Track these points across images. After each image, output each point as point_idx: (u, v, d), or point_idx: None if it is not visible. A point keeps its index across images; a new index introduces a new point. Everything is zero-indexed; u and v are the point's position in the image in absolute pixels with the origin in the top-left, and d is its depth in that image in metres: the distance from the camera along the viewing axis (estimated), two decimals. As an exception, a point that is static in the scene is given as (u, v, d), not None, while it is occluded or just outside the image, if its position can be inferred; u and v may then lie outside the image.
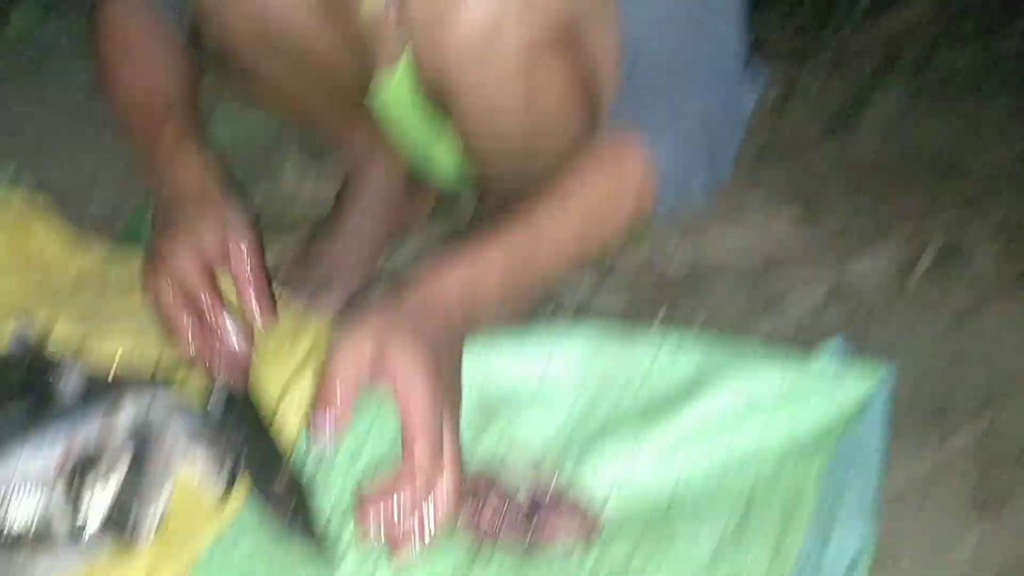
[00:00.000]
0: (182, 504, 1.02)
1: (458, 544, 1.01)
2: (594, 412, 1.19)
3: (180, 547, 0.97)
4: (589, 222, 1.03)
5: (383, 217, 1.61)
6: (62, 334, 1.19)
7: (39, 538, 0.93)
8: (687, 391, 1.17)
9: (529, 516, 1.06)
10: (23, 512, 0.93)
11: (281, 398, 1.14)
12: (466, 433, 1.11)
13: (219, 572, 0.96)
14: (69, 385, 1.06)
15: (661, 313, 1.56)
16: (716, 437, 1.14)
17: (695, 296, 1.61)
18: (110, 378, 1.10)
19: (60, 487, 0.94)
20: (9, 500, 0.93)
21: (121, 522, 0.96)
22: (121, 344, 1.18)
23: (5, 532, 0.92)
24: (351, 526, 0.98)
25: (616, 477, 1.12)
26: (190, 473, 1.04)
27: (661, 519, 1.08)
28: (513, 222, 0.95)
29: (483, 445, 1.17)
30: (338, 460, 1.09)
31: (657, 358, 1.21)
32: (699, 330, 1.50)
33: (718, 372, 1.18)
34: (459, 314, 0.91)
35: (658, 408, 1.17)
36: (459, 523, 1.03)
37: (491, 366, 1.20)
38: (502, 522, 1.05)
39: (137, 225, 1.61)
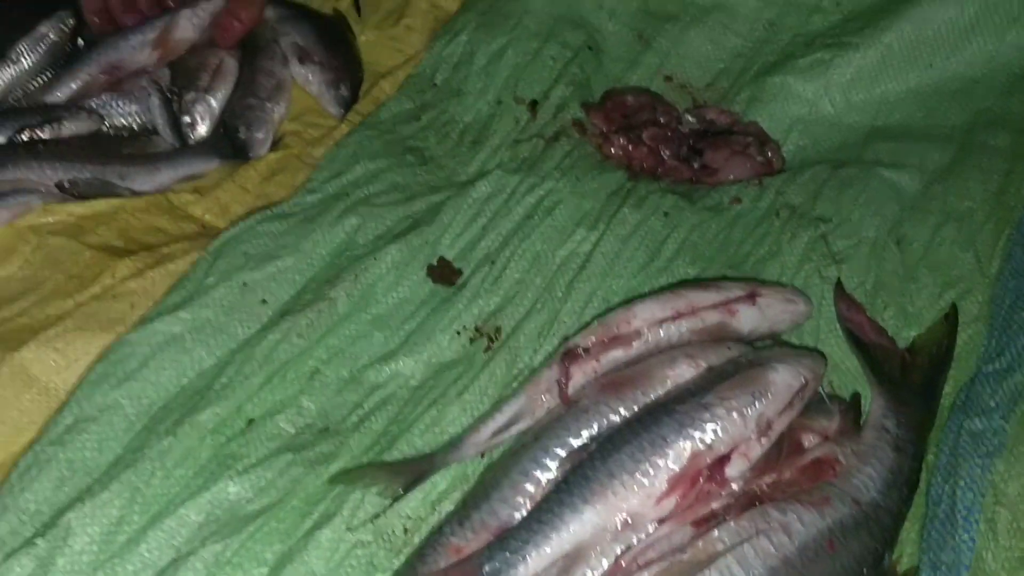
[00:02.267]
0: (298, 121, 0.97)
1: (607, 181, 0.88)
2: (779, 32, 1.02)
3: (296, 161, 0.92)
4: None
5: None
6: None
7: (142, 142, 0.91)
8: (897, 3, 0.97)
9: (695, 150, 0.91)
10: (124, 114, 0.91)
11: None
12: (620, 49, 1.01)
13: (335, 172, 0.87)
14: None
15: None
16: (930, 62, 0.95)
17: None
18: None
19: (155, 98, 0.91)
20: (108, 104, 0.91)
21: (231, 137, 0.92)
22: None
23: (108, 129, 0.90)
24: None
25: (800, 111, 0.96)
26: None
27: (855, 157, 0.91)
28: None
29: (643, 63, 1.01)
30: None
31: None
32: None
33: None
34: None
35: (858, 26, 0.98)
36: (610, 156, 0.91)
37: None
38: (662, 156, 0.91)
39: None
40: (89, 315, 0.73)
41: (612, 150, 0.93)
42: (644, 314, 0.69)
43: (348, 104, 0.98)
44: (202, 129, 0.93)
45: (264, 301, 0.76)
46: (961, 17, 0.95)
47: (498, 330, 0.77)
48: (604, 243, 0.82)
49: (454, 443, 0.67)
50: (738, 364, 0.65)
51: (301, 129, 0.97)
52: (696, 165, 0.93)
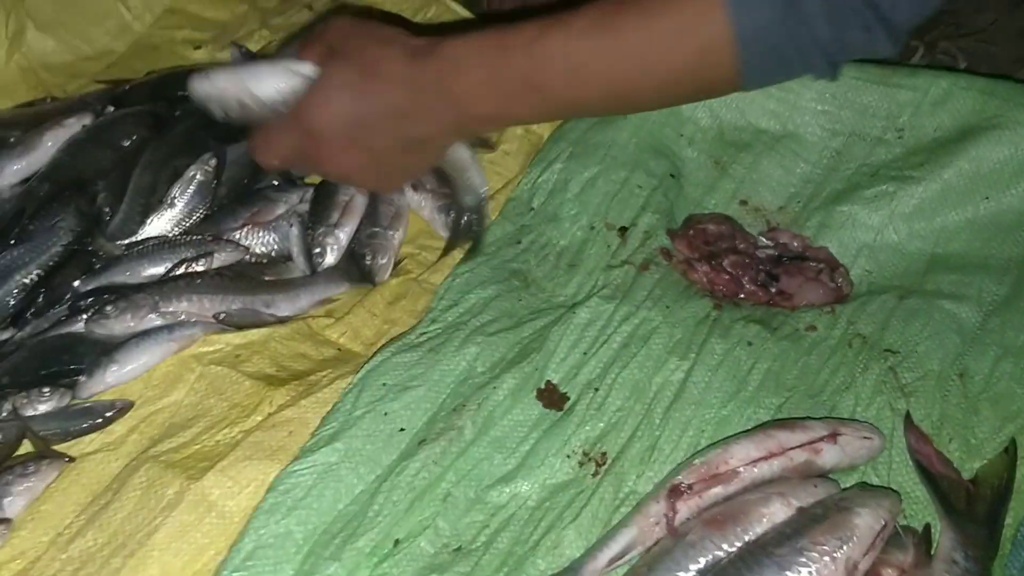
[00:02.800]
0: (413, 244, 1.08)
1: (694, 309, 0.98)
2: (845, 162, 1.11)
3: (416, 287, 1.03)
4: (644, 55, 0.80)
5: None
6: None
7: (278, 267, 1.03)
8: (955, 141, 1.06)
9: (771, 275, 1.01)
10: (261, 242, 1.04)
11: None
12: (699, 174, 1.11)
13: (453, 301, 0.98)
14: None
15: (920, 51, 1.33)
16: (987, 194, 1.03)
17: (964, 29, 1.32)
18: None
19: (296, 230, 1.03)
20: (250, 235, 1.04)
21: (357, 262, 1.04)
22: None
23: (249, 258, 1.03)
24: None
25: (867, 238, 1.05)
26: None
27: (918, 285, 1.00)
28: (550, 30, 0.80)
29: (720, 188, 1.12)
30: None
31: (922, 101, 1.08)
32: (971, 69, 1.26)
33: (994, 119, 1.05)
34: (460, 112, 0.82)
35: (920, 160, 1.07)
36: (695, 281, 1.01)
37: (731, 105, 1.13)
38: (741, 281, 1.01)
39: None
40: (255, 444, 0.84)
41: (696, 276, 1.04)
42: (740, 454, 0.80)
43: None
44: (331, 258, 1.05)
45: (402, 429, 0.87)
46: (1015, 156, 1.04)
47: (604, 455, 0.87)
48: (695, 373, 0.92)
49: (575, 567, 0.78)
50: (826, 507, 0.75)
51: (416, 251, 1.09)
52: (773, 290, 1.03)
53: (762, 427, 0.84)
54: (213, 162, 1.04)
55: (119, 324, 0.92)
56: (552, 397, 0.92)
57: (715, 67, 0.79)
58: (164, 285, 0.95)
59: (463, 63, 0.79)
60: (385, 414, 0.87)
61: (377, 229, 1.07)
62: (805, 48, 0.77)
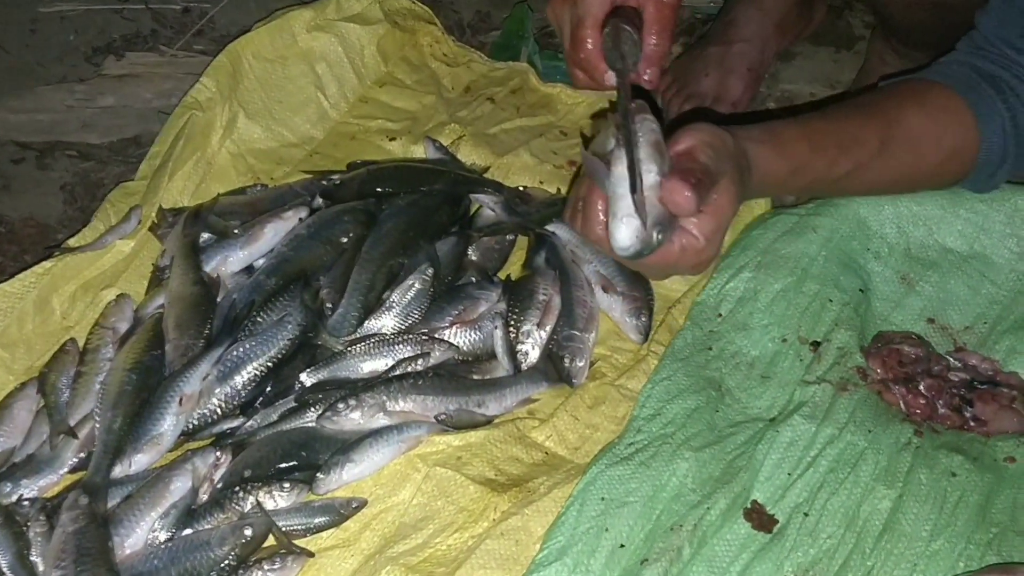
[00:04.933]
0: (604, 345, 1.12)
1: (895, 434, 1.00)
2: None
3: (614, 392, 1.07)
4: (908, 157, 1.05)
5: (774, 32, 1.50)
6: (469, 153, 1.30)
7: (483, 365, 1.08)
8: None
9: (965, 400, 1.04)
10: (468, 340, 1.09)
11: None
12: (885, 289, 1.15)
13: (654, 411, 1.01)
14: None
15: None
16: None
17: None
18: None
19: (501, 331, 1.07)
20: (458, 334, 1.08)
21: (556, 364, 1.07)
22: (523, 177, 1.30)
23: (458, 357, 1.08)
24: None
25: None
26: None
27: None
28: (838, 143, 1.03)
29: (907, 305, 1.15)
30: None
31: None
32: None
33: None
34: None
35: None
36: (891, 403, 1.04)
37: (919, 223, 1.17)
38: (936, 404, 1.04)
39: (510, 38, 1.57)
40: (487, 552, 0.89)
41: (892, 398, 1.06)
42: (970, 603, 0.82)
43: (647, 332, 1.13)
44: (533, 357, 1.09)
45: (622, 546, 0.90)
46: None
47: (817, 584, 0.90)
48: (903, 503, 0.94)
49: None
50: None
51: (609, 354, 1.13)
52: (967, 415, 1.05)
53: (983, 572, 0.86)
54: (430, 272, 1.10)
55: (349, 422, 0.98)
56: (761, 518, 0.94)
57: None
58: (390, 385, 1.00)
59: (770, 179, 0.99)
60: (606, 530, 0.90)
61: (575, 332, 1.11)
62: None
